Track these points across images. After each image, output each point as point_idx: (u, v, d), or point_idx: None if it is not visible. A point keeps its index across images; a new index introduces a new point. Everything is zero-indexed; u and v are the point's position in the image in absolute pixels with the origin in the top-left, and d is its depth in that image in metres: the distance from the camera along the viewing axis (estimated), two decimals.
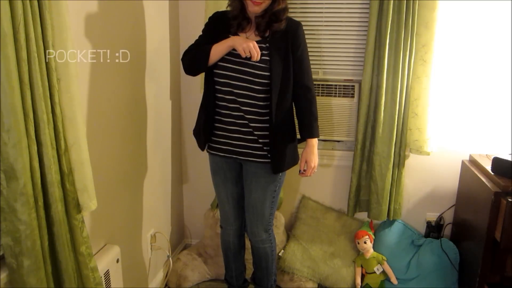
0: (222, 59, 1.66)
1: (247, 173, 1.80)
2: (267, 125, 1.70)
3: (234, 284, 2.09)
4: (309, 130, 1.76)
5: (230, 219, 1.93)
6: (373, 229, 2.37)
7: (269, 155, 1.72)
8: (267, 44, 1.65)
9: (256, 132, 1.71)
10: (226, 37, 1.67)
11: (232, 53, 1.64)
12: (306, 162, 1.77)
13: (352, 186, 2.31)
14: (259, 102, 1.68)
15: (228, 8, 1.69)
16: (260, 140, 1.72)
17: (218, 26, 1.72)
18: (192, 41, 1.77)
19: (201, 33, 1.78)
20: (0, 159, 1.07)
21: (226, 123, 1.73)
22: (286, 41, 1.66)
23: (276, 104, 1.66)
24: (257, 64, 1.63)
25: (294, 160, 1.80)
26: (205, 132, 1.77)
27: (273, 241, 1.94)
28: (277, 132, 1.69)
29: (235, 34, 1.69)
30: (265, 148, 1.72)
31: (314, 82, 2.30)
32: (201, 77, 2.15)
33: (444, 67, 2.16)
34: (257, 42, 1.64)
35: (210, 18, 1.77)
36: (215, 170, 1.86)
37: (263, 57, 1.63)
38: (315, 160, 1.77)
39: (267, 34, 1.66)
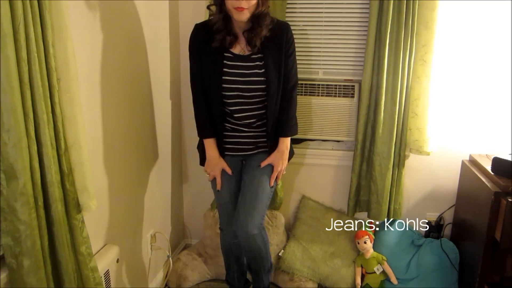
0: (228, 73, 1.66)
1: (250, 167, 1.82)
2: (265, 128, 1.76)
3: (236, 285, 2.08)
4: (284, 129, 1.75)
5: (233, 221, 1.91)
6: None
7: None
8: (260, 55, 1.65)
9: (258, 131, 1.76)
10: (214, 49, 1.64)
11: (235, 65, 1.66)
12: (273, 165, 1.76)
13: (352, 186, 2.31)
14: (254, 105, 1.72)
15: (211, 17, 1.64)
16: (261, 135, 1.77)
17: (203, 41, 1.67)
18: None
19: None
20: (0, 159, 1.07)
21: (234, 130, 1.77)
22: (278, 46, 1.66)
23: (273, 106, 1.70)
24: (254, 79, 1.65)
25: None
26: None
27: (264, 235, 1.84)
28: (272, 132, 1.75)
29: (222, 47, 1.64)
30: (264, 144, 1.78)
31: (314, 82, 2.32)
32: None
33: (444, 67, 2.15)
34: (250, 55, 1.66)
35: (191, 38, 1.70)
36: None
37: (258, 70, 1.65)
38: (283, 164, 1.78)
39: (258, 44, 1.64)
